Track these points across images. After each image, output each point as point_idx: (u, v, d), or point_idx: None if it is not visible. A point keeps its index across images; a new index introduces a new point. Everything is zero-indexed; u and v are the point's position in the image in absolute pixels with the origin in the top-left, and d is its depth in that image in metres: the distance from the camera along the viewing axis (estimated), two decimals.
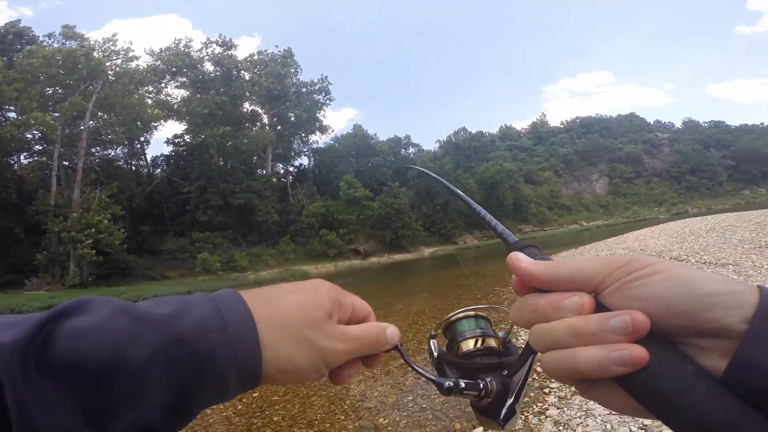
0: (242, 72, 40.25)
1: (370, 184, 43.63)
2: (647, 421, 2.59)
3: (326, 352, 0.38)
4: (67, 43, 29.44)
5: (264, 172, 40.07)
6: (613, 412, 2.28)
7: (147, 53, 36.30)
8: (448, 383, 0.43)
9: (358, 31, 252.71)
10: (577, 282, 0.32)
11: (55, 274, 23.23)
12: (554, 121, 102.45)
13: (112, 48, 30.22)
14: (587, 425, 2.88)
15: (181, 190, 33.75)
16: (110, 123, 30.25)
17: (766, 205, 31.44)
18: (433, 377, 0.44)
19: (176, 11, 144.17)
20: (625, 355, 0.28)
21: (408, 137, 62.92)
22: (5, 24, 30.52)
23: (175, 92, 37.45)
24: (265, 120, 41.97)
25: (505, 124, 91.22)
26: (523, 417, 3.23)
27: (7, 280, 21.75)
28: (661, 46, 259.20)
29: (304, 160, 49.47)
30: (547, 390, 3.65)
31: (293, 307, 0.38)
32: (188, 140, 36.71)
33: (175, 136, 37.86)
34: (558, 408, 3.28)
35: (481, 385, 0.43)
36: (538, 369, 2.81)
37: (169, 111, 35.11)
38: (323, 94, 45.05)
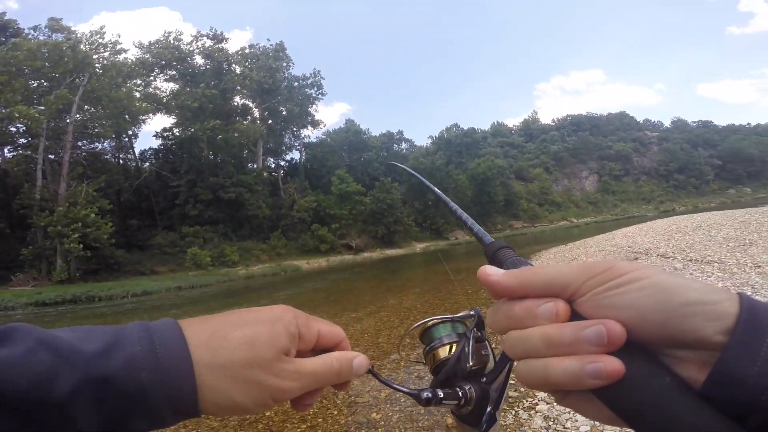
0: (233, 65, 39.73)
1: (363, 179, 43.55)
2: None
3: (274, 390, 0.36)
4: (53, 35, 28.80)
5: (255, 166, 39.74)
6: None
7: (136, 46, 35.75)
8: (426, 394, 0.42)
9: (351, 27, 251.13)
10: (552, 289, 0.31)
11: (41, 269, 22.86)
12: (545, 118, 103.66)
13: (100, 41, 29.69)
14: (576, 420, 2.93)
15: (170, 184, 33.35)
16: (97, 116, 29.72)
17: (751, 204, 32.08)
18: (408, 390, 0.43)
19: (166, 4, 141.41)
20: (600, 367, 0.27)
21: (400, 132, 63.06)
22: None
23: (164, 85, 36.90)
24: (256, 114, 41.59)
25: (497, 121, 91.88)
26: (513, 412, 3.28)
27: None
28: (653, 46, 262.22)
29: (295, 155, 49.20)
30: None
31: (240, 346, 0.35)
32: (177, 134, 36.21)
33: (164, 129, 37.36)
34: (548, 403, 3.32)
35: (460, 394, 0.43)
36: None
37: (157, 104, 34.61)
38: (315, 89, 44.79)
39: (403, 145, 63.72)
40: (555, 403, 3.32)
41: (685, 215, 22.37)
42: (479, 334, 0.46)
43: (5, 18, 30.02)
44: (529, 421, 3.11)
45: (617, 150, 76.38)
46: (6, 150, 28.80)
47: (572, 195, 68.94)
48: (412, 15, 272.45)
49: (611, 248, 13.14)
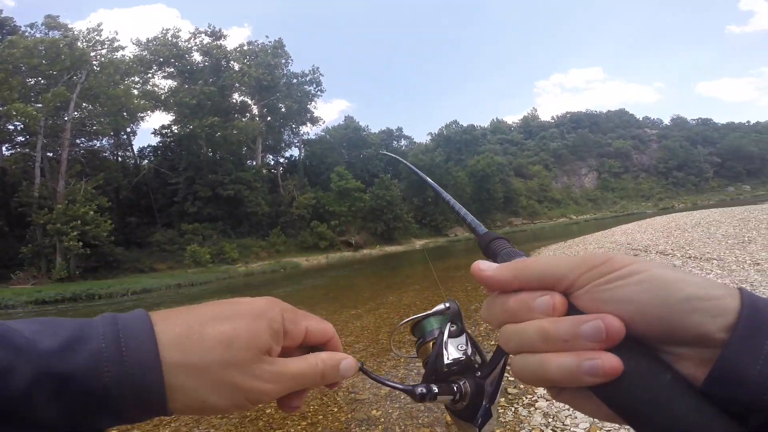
0: (231, 62, 39.64)
1: (362, 176, 43.57)
2: None
3: (252, 393, 0.34)
4: (49, 33, 28.75)
5: (254, 163, 39.74)
6: None
7: (133, 43, 35.72)
8: (420, 390, 0.41)
9: (350, 24, 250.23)
10: (548, 281, 0.30)
11: (41, 267, 22.83)
12: (545, 115, 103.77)
13: (97, 38, 29.54)
14: (575, 417, 2.94)
15: (169, 181, 33.34)
16: (95, 114, 29.63)
17: (750, 202, 32.13)
18: (402, 387, 0.42)
19: (164, 1, 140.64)
20: (598, 365, 0.26)
21: (400, 129, 63.18)
22: None
23: (163, 83, 36.85)
24: (255, 111, 41.54)
25: (496, 118, 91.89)
26: (513, 409, 3.28)
27: None
28: (653, 45, 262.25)
29: (294, 152, 49.23)
30: None
31: (216, 345, 0.32)
32: (176, 131, 36.14)
33: (163, 126, 37.29)
34: (547, 400, 3.33)
35: (455, 388, 0.42)
36: None
37: (156, 101, 34.51)
38: (314, 86, 44.74)
39: (403, 142, 63.74)
40: (554, 401, 3.33)
41: (685, 212, 22.38)
42: (453, 327, 0.45)
43: (2, 15, 29.94)
44: (528, 418, 3.12)
45: (617, 147, 76.47)
46: (4, 148, 28.73)
47: (571, 192, 69.02)
48: (412, 14, 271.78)
49: (610, 245, 13.16)
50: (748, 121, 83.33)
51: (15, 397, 0.27)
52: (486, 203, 49.90)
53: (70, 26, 29.98)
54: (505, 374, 0.43)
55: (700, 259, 7.91)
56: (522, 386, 3.65)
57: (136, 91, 32.53)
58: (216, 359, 0.32)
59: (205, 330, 0.33)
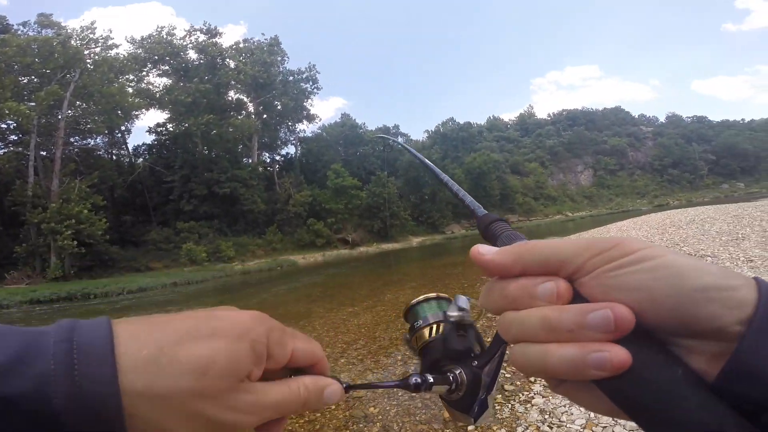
0: (227, 60, 39.35)
1: (359, 174, 43.48)
2: None
3: (224, 426, 0.29)
4: (42, 31, 28.50)
5: (250, 161, 39.55)
6: None
7: (128, 41, 35.45)
8: (414, 379, 0.38)
9: (347, 21, 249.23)
10: (552, 266, 0.28)
11: (35, 266, 22.67)
12: (541, 113, 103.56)
13: (91, 36, 29.34)
14: (572, 413, 2.96)
15: (164, 179, 33.12)
16: (89, 112, 29.38)
17: (744, 199, 32.38)
18: (394, 383, 0.39)
19: None
20: (605, 357, 0.24)
21: (396, 127, 62.95)
22: None
23: (157, 81, 36.61)
24: (251, 108, 41.34)
25: (492, 116, 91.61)
26: (509, 405, 3.30)
27: None
28: (648, 42, 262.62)
29: (291, 149, 48.92)
30: (532, 378, 3.73)
31: (188, 372, 0.28)
32: (171, 129, 35.89)
33: (158, 124, 37.03)
34: (543, 396, 3.35)
35: (451, 378, 0.40)
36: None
37: (150, 100, 34.31)
38: (311, 83, 44.59)
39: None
40: (551, 397, 3.36)
41: (679, 209, 22.55)
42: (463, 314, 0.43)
43: None
44: (525, 414, 3.14)
45: (612, 144, 76.72)
46: None
47: (567, 189, 69.24)
48: (409, 11, 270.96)
49: None
50: (743, 119, 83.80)
51: None
52: (482, 200, 46.16)
53: (63, 24, 29.81)
54: (503, 365, 0.41)
55: (695, 255, 7.97)
56: (519, 383, 3.67)
57: (130, 89, 32.28)
58: (186, 388, 0.27)
59: (178, 352, 0.28)
